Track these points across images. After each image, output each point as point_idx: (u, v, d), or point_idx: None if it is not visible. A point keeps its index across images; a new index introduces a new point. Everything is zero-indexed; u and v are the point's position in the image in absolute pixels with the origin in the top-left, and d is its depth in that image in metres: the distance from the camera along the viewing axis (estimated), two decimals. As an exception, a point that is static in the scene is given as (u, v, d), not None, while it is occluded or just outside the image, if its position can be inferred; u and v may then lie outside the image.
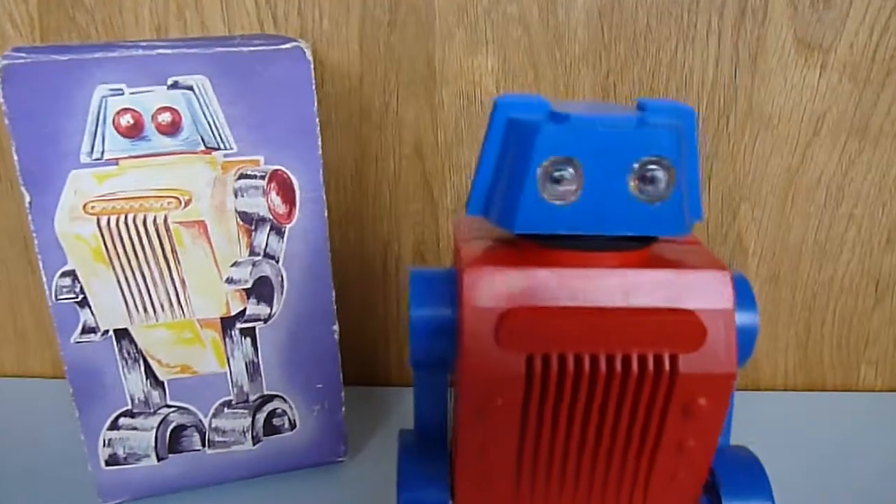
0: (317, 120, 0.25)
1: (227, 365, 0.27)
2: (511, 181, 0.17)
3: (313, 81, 0.25)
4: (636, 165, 0.16)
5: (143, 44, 0.23)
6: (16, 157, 0.23)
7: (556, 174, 0.16)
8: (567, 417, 0.17)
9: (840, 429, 0.32)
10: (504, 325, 0.16)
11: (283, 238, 0.26)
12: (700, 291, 0.16)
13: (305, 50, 0.24)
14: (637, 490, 0.18)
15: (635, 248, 0.17)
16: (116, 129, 0.24)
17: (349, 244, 0.35)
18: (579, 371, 0.16)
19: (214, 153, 0.25)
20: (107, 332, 0.25)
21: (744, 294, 0.18)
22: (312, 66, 0.25)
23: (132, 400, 0.26)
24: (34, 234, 0.24)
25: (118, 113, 0.23)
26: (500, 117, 0.17)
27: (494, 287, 0.16)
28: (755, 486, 0.20)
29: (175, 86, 0.24)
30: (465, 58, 0.31)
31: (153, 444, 0.27)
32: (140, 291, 0.25)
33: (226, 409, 0.27)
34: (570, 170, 0.16)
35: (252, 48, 0.24)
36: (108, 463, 0.27)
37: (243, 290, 0.26)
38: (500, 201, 0.17)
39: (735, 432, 0.32)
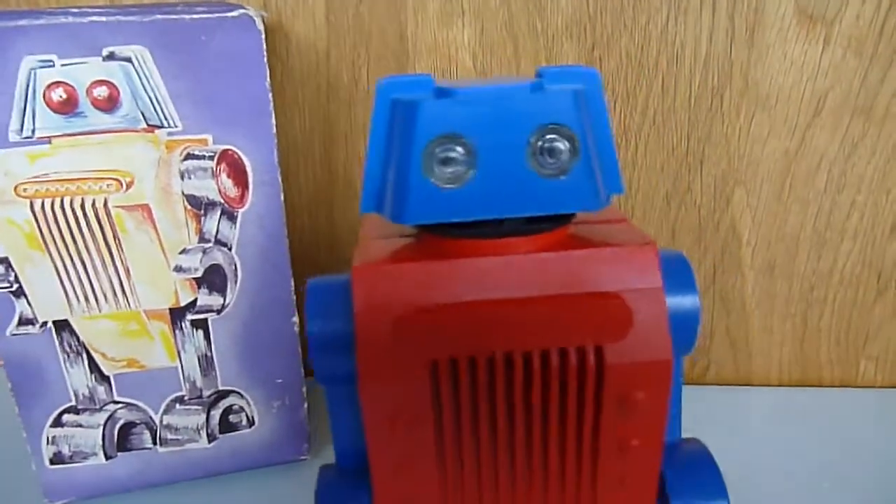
0: (270, 95, 0.23)
1: (177, 359, 0.25)
2: (397, 168, 0.15)
3: (265, 53, 0.23)
4: (532, 137, 0.15)
5: (74, 10, 0.21)
6: (-63, 135, 0.21)
7: (444, 155, 0.15)
8: (488, 424, 0.15)
9: (838, 426, 0.31)
10: (401, 327, 0.15)
11: (235, 223, 0.24)
12: (622, 271, 0.15)
13: (255, 18, 0.22)
14: (583, 499, 0.17)
15: (547, 229, 0.16)
16: (48, 104, 0.22)
17: (319, 229, 0.33)
18: (493, 373, 0.15)
19: (157, 131, 0.23)
20: (45, 323, 0.24)
21: (680, 272, 0.17)
22: (264, 37, 0.23)
23: (76, 395, 0.25)
24: (-39, 219, 0.22)
25: (49, 87, 0.21)
26: (384, 100, 0.16)
27: (388, 286, 0.15)
28: (707, 486, 0.18)
29: (111, 57, 0.22)
30: (440, 29, 0.29)
31: (100, 442, 0.25)
32: (80, 280, 0.24)
33: (178, 406, 0.26)
34: (459, 148, 0.15)
35: (195, 16, 0.22)
36: (52, 461, 0.25)
37: (193, 279, 0.24)
38: (389, 193, 0.15)
39: (725, 429, 0.30)
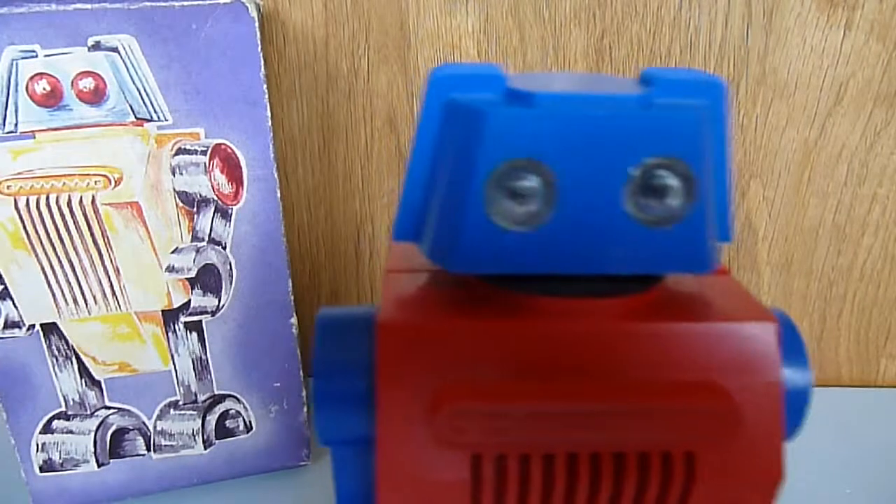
0: (265, 87, 0.22)
1: (171, 362, 0.24)
2: (450, 197, 0.12)
3: (259, 42, 0.22)
4: (637, 171, 0.11)
5: (57, -3, 0.20)
6: (-85, 130, 0.20)
7: (515, 185, 0.11)
8: None
9: (858, 427, 0.29)
10: (440, 410, 0.11)
11: (229, 221, 0.23)
12: (733, 355, 0.11)
13: (248, 5, 0.21)
14: None
15: (635, 290, 0.12)
16: (31, 97, 0.21)
17: (318, 225, 0.32)
18: (550, 478, 0.11)
19: (146, 125, 0.22)
20: (32, 326, 0.23)
21: (791, 342, 0.13)
22: (258, 25, 0.22)
23: (66, 401, 0.24)
24: (-58, 218, 0.21)
25: (32, 78, 0.20)
26: (437, 97, 0.12)
27: (424, 352, 0.11)
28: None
29: (97, 47, 0.21)
30: (442, 17, 0.28)
31: (92, 449, 0.24)
32: (68, 281, 0.22)
33: (172, 411, 0.25)
34: (537, 178, 0.11)
35: (185, 2, 0.21)
36: (42, 469, 0.24)
37: (186, 279, 0.23)
38: (435, 226, 0.12)
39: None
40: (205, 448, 0.25)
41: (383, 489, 0.12)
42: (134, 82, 0.21)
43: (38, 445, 0.24)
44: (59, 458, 0.24)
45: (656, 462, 0.11)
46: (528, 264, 0.11)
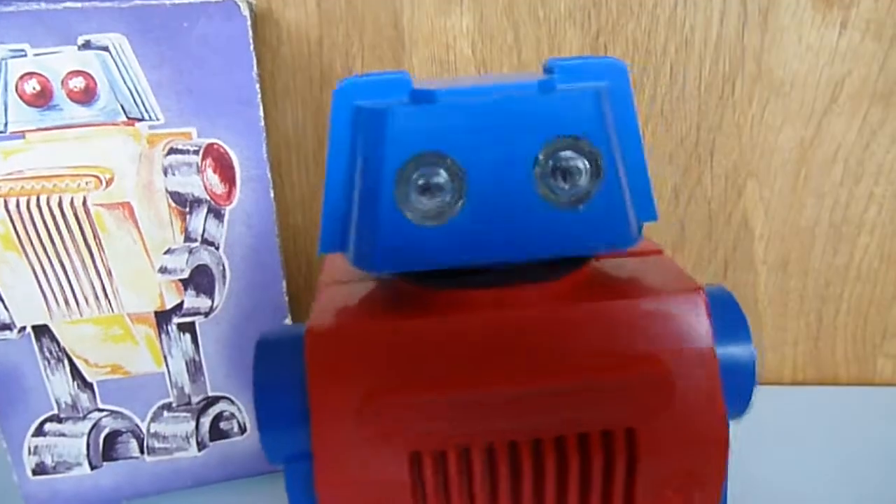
0: (257, 86, 0.22)
1: (164, 364, 0.24)
2: (363, 199, 0.12)
3: (251, 41, 0.22)
4: (542, 155, 0.11)
5: (47, -4, 0.20)
6: None
7: (423, 181, 0.11)
8: None
9: (854, 426, 0.29)
10: (371, 411, 0.11)
11: (223, 221, 0.23)
12: (662, 327, 0.11)
13: (239, 4, 0.21)
14: None
15: (562, 272, 0.12)
16: (21, 96, 0.20)
17: (313, 226, 0.31)
18: (492, 468, 0.11)
19: (138, 125, 0.21)
20: (24, 328, 0.22)
21: (730, 314, 0.13)
22: (250, 23, 0.21)
23: (58, 404, 0.24)
24: (-68, 219, 0.21)
25: (21, 78, 0.20)
26: (343, 106, 0.12)
27: (352, 353, 0.11)
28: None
29: (87, 46, 0.20)
30: (437, 17, 0.28)
31: (85, 452, 0.24)
32: (60, 283, 0.22)
33: (165, 413, 0.25)
34: (443, 172, 0.11)
35: (175, 1, 0.21)
36: (35, 472, 0.24)
37: (179, 280, 0.23)
38: (353, 231, 0.12)
39: (738, 430, 0.29)
40: (199, 450, 0.25)
41: (323, 495, 0.12)
42: (125, 81, 0.21)
43: (30, 448, 0.24)
44: (52, 461, 0.24)
45: (597, 442, 0.11)
46: (446, 258, 0.11)
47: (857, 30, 0.27)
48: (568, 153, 0.11)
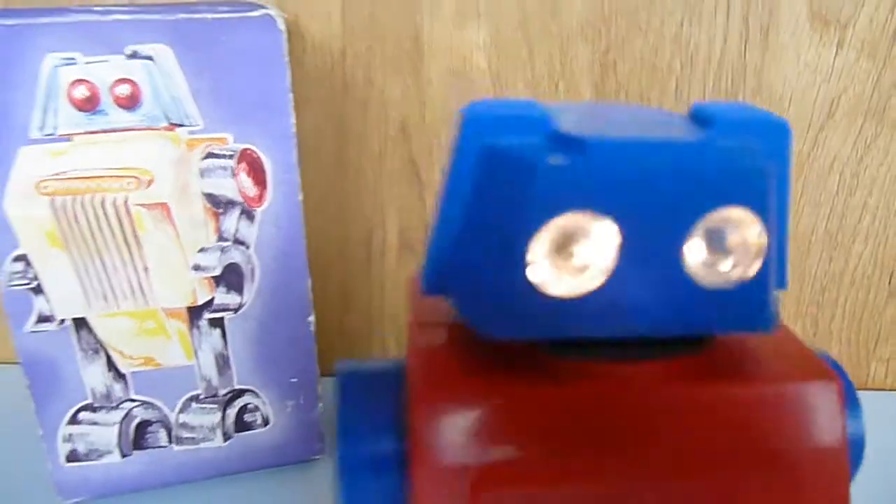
0: (290, 95, 0.23)
1: (194, 357, 0.25)
2: (491, 254, 0.10)
3: (285, 53, 0.23)
4: (699, 224, 0.10)
5: (97, 8, 0.21)
6: (-41, 132, 0.21)
7: (572, 243, 0.10)
8: None
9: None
10: (483, 493, 0.10)
11: (254, 222, 0.24)
12: (794, 419, 0.11)
13: (276, 19, 0.22)
14: None
15: (687, 351, 0.11)
16: (70, 101, 0.22)
17: (330, 230, 0.33)
18: None
19: (178, 130, 0.23)
20: (63, 321, 0.24)
21: (848, 392, 0.12)
22: (285, 37, 0.23)
23: (93, 393, 0.25)
24: (-18, 216, 0.22)
25: (72, 84, 0.22)
26: (473, 141, 0.10)
27: (469, 428, 0.10)
28: None
29: (134, 55, 0.22)
30: (455, 31, 0.29)
31: (116, 441, 0.25)
32: (99, 278, 0.24)
33: (194, 404, 0.26)
34: (597, 234, 0.10)
35: (217, 15, 0.22)
36: (68, 459, 0.25)
37: (211, 277, 0.24)
38: (473, 284, 0.11)
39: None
40: (224, 441, 0.26)
41: None
42: (167, 89, 0.22)
43: (64, 436, 0.25)
44: (85, 448, 0.25)
45: None
46: (581, 328, 0.10)
47: (852, 49, 0.29)
48: (732, 225, 0.10)
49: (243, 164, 0.24)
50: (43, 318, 0.24)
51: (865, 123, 0.30)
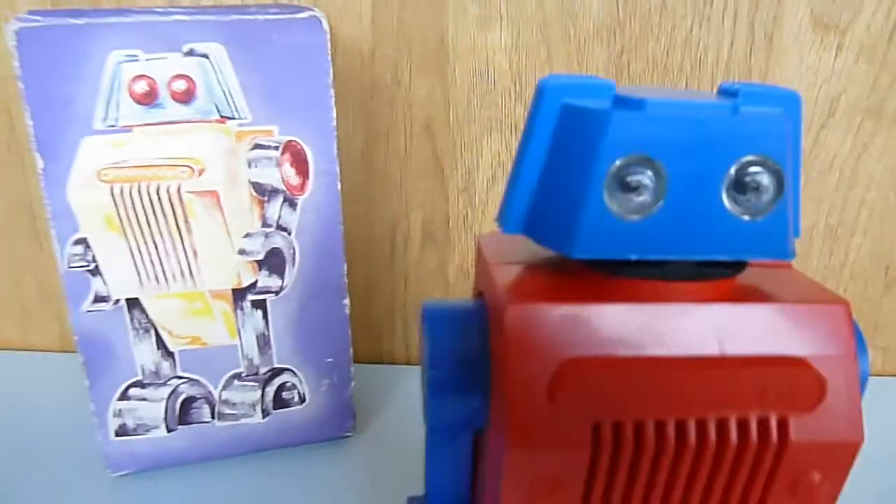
0: (332, 91, 0.25)
1: (237, 337, 0.27)
2: (568, 190, 0.13)
3: (329, 52, 0.25)
4: (733, 169, 0.13)
5: (159, 10, 0.23)
6: (30, 123, 0.23)
7: (632, 179, 0.12)
8: (641, 499, 0.13)
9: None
10: (563, 382, 0.12)
11: (295, 210, 0.26)
12: (813, 333, 0.13)
13: (322, 20, 0.24)
14: None
15: (723, 275, 0.13)
16: (131, 95, 0.23)
17: (357, 222, 0.34)
18: (661, 442, 0.13)
19: (228, 122, 0.24)
20: (118, 301, 0.25)
21: (856, 327, 0.14)
22: (328, 37, 0.25)
23: (143, 370, 0.26)
24: (46, 201, 0.24)
25: (133, 79, 0.23)
26: (552, 103, 0.13)
27: (547, 330, 0.13)
28: None
29: (191, 53, 0.23)
30: (479, 34, 0.31)
31: (163, 415, 0.27)
32: (152, 261, 0.25)
33: (236, 382, 0.27)
34: (649, 173, 0.12)
35: (267, 16, 0.24)
36: (117, 434, 0.27)
37: (255, 261, 0.26)
38: (551, 216, 0.13)
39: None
40: (262, 417, 0.28)
41: (511, 458, 0.13)
42: (220, 84, 0.24)
43: (114, 411, 0.27)
44: (133, 423, 0.27)
45: (754, 427, 0.13)
46: (640, 250, 0.13)
47: (851, 52, 0.31)
48: (756, 169, 0.13)
49: (287, 155, 0.25)
50: (99, 299, 0.25)
51: (864, 122, 0.32)
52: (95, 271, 0.25)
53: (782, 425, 0.13)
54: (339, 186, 0.26)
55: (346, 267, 0.27)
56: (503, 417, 0.13)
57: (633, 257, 0.13)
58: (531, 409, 0.13)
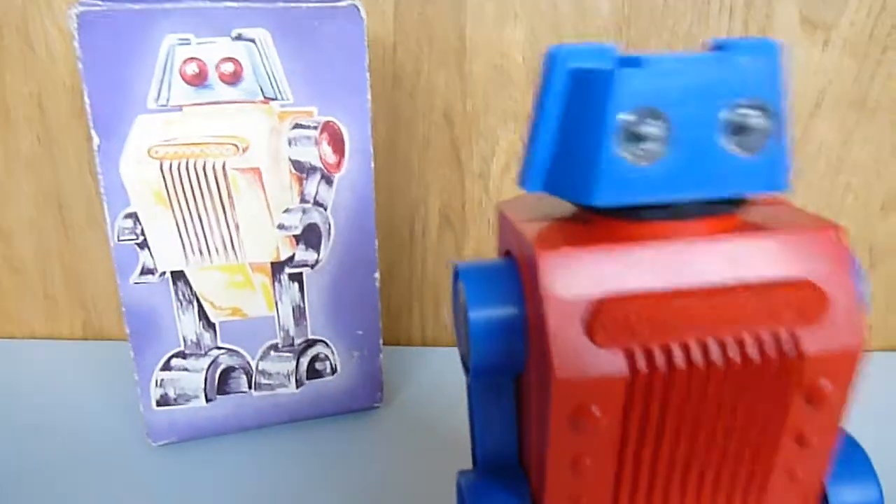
0: (367, 75, 0.27)
1: (275, 309, 0.28)
2: (583, 145, 0.14)
3: (365, 39, 0.27)
4: (726, 112, 0.14)
5: (211, -3, 0.25)
6: (87, 102, 0.24)
7: (639, 129, 0.14)
8: (675, 418, 0.15)
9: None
10: (597, 316, 0.14)
11: (332, 187, 0.28)
12: (812, 255, 0.14)
13: (360, 9, 0.26)
14: (750, 498, 0.16)
15: (727, 212, 0.15)
16: (182, 77, 0.25)
17: (378, 207, 0.36)
18: (689, 363, 0.14)
19: (272, 103, 0.26)
20: (164, 273, 0.27)
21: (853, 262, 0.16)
22: (365, 25, 0.26)
23: (185, 341, 0.28)
24: (100, 176, 0.25)
25: (185, 62, 0.25)
26: (560, 69, 0.14)
27: (578, 272, 0.14)
28: (859, 472, 0.17)
29: (238, 38, 0.25)
30: (495, 30, 0.33)
31: (203, 386, 0.28)
32: (197, 234, 0.27)
33: (272, 353, 0.29)
34: (655, 122, 0.14)
35: (310, 5, 0.26)
36: (158, 403, 0.28)
37: (293, 236, 0.28)
38: (568, 171, 0.15)
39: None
40: (297, 387, 0.29)
41: (556, 392, 0.14)
42: (265, 68, 0.26)
43: (157, 381, 0.28)
44: (174, 393, 0.28)
45: (770, 343, 0.14)
46: (653, 192, 0.14)
47: (836, 48, 0.33)
48: (748, 111, 0.14)
49: (325, 135, 0.27)
50: (146, 271, 0.26)
51: (848, 113, 0.34)
52: (143, 244, 0.26)
53: (794, 339, 0.14)
54: (373, 165, 0.28)
55: (377, 242, 0.29)
56: (545, 356, 0.14)
57: (647, 201, 0.14)
58: (571, 344, 0.14)
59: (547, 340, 0.14)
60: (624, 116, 0.14)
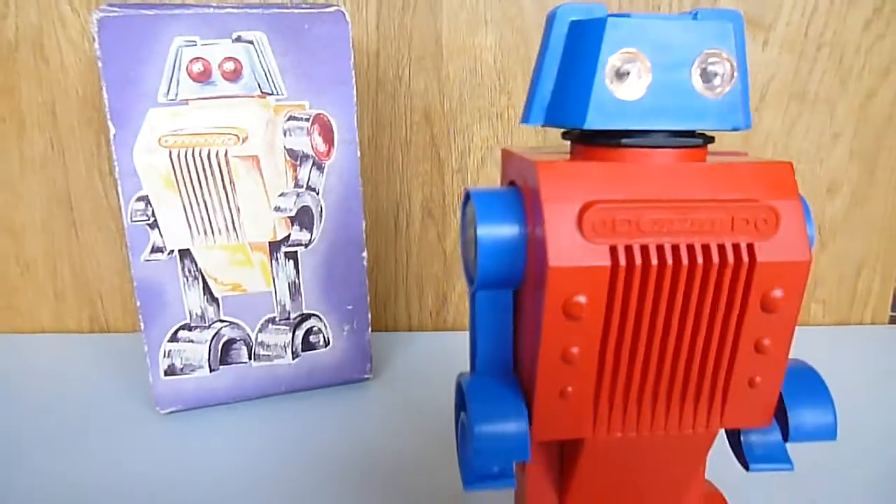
0: (353, 72, 0.30)
1: (272, 284, 0.31)
2: (578, 79, 0.17)
3: (350, 40, 0.30)
4: (697, 59, 0.17)
5: (213, 4, 0.28)
6: (105, 97, 0.27)
7: (625, 68, 0.17)
8: (650, 312, 0.17)
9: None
10: (587, 216, 0.16)
11: (322, 173, 0.31)
12: (768, 182, 0.17)
13: (345, 14, 0.30)
14: (715, 401, 0.19)
15: (697, 145, 0.18)
16: (189, 74, 0.28)
17: (365, 201, 0.39)
18: (662, 260, 0.17)
19: (268, 97, 0.29)
20: (172, 251, 0.29)
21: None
22: (350, 27, 0.30)
23: (191, 314, 0.30)
24: (115, 163, 0.28)
25: (191, 61, 0.28)
26: (562, 21, 0.18)
27: (571, 181, 0.17)
28: (816, 395, 0.20)
29: (238, 40, 0.28)
30: (468, 36, 0.37)
31: (206, 356, 0.31)
32: (202, 216, 0.30)
33: (270, 326, 0.31)
34: (638, 63, 0.17)
35: (302, 10, 0.29)
36: (166, 373, 0.31)
37: (288, 217, 0.31)
38: (566, 104, 0.18)
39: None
40: (293, 359, 0.32)
41: (551, 282, 0.17)
42: (262, 66, 0.29)
43: (164, 352, 0.30)
44: (181, 363, 0.31)
45: (729, 251, 0.17)
46: (634, 121, 0.17)
47: (775, 46, 0.37)
48: (715, 60, 0.17)
49: (316, 126, 0.30)
50: (156, 249, 0.29)
51: (790, 104, 0.38)
52: (154, 225, 0.29)
53: (750, 249, 0.17)
54: (359, 153, 0.31)
55: (364, 224, 0.32)
56: (542, 251, 0.17)
57: (629, 126, 0.17)
58: (563, 240, 0.16)
59: (544, 237, 0.16)
60: (613, 57, 0.17)
